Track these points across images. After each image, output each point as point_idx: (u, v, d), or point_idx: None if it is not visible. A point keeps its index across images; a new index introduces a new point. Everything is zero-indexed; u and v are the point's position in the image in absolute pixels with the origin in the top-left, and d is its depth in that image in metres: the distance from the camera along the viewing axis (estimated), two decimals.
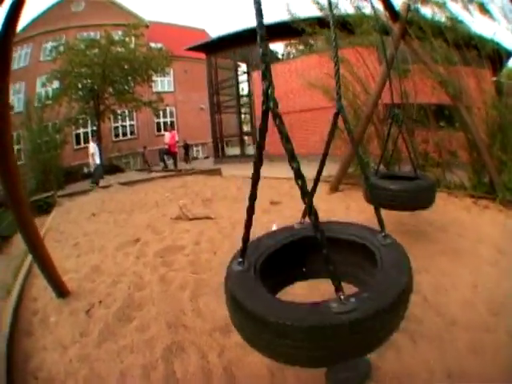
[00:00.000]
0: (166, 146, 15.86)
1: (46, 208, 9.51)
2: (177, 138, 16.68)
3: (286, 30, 9.71)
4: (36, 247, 3.04)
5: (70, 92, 17.46)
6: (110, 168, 18.07)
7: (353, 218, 3.60)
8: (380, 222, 1.66)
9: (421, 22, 6.05)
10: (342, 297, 1.14)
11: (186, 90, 27.01)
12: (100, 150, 13.56)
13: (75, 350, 2.43)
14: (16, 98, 19.01)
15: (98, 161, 13.07)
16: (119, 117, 22.12)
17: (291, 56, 18.17)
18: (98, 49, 17.45)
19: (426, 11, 6.23)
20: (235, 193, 7.54)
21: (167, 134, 16.20)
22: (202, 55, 18.94)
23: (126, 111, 22.18)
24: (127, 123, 25.15)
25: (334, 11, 7.29)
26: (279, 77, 14.27)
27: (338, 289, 1.15)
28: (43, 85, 18.56)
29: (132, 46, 18.50)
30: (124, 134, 25.16)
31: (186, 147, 22.99)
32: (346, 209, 5.35)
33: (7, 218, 6.14)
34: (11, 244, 6.27)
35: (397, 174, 4.12)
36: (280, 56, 18.83)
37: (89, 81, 17.90)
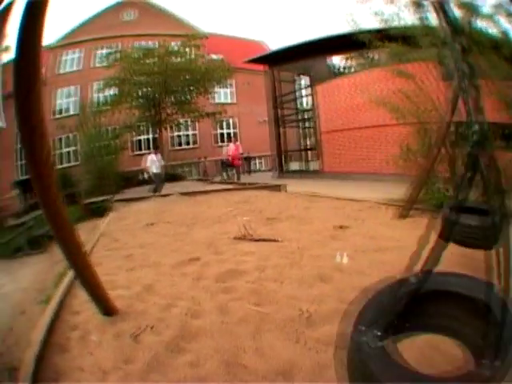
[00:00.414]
0: (229, 158, 15.94)
1: (101, 211, 9.75)
2: (241, 150, 16.80)
3: (346, 42, 10.27)
4: (74, 257, 2.80)
5: (129, 99, 18.33)
6: (169, 176, 18.35)
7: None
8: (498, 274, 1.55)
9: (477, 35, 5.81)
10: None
11: (247, 102, 27.26)
12: (160, 160, 14.13)
13: (116, 377, 2.23)
14: (66, 102, 20.19)
15: (155, 170, 13.65)
16: (181, 126, 22.74)
17: (352, 70, 17.56)
18: (156, 58, 18.27)
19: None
20: (302, 212, 7.20)
21: (231, 146, 16.41)
22: (264, 67, 19.07)
23: (188, 121, 22.80)
24: (189, 132, 25.90)
25: (395, 23, 7.35)
26: (341, 91, 14.29)
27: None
28: (99, 90, 19.55)
29: (192, 56, 19.28)
30: (185, 143, 25.91)
31: (248, 159, 23.17)
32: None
33: None
34: None
35: (470, 205, 3.57)
36: (341, 69, 18.29)
37: (149, 89, 18.76)
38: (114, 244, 5.69)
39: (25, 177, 22.82)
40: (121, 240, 5.94)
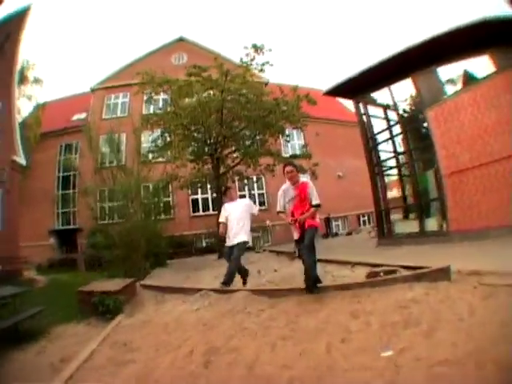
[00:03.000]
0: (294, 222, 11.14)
1: (111, 308, 5.86)
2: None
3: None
4: None
5: (180, 147, 14.38)
6: None
7: None
8: None
9: None
10: None
11: (319, 155, 23.25)
12: (246, 216, 6.84)
13: None
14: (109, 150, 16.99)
15: (234, 239, 6.63)
16: (245, 181, 18.44)
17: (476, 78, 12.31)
18: (210, 85, 14.18)
19: None
20: None
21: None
22: (335, 114, 14.57)
23: (254, 177, 18.72)
24: (255, 191, 21.84)
25: None
26: (464, 112, 10.28)
27: None
28: (153, 140, 15.74)
29: (255, 82, 15.13)
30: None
31: (328, 221, 20.52)
32: None
33: None
34: None
35: None
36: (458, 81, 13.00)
37: (202, 128, 14.54)
38: None
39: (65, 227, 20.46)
40: None
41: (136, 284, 7.44)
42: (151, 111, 16.67)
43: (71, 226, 20.05)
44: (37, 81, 20.35)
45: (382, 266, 6.91)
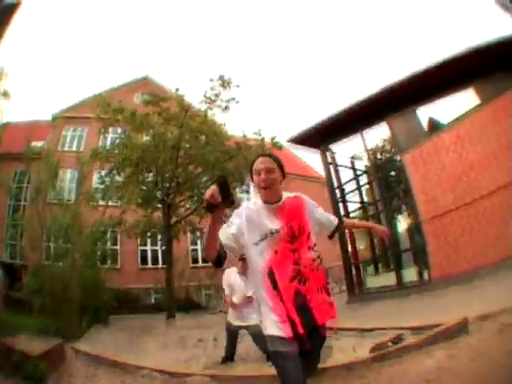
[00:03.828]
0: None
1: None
2: None
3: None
4: None
5: (128, 188, 12.65)
6: (184, 303, 13.67)
7: None
8: None
9: None
10: None
11: None
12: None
13: None
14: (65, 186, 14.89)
15: (236, 321, 5.20)
16: (198, 234, 16.51)
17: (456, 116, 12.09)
18: (169, 121, 12.85)
19: None
20: None
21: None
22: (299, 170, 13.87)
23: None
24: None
25: None
26: (447, 151, 9.94)
27: None
28: (101, 180, 13.89)
29: (220, 124, 13.75)
30: (205, 260, 19.75)
31: None
32: None
33: None
34: None
35: None
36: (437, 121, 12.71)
37: (153, 168, 12.93)
38: None
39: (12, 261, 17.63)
40: None
41: (66, 347, 5.55)
42: (104, 145, 14.94)
43: (17, 261, 17.25)
44: (5, 94, 17.91)
45: (373, 330, 5.76)
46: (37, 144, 18.30)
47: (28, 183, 18.72)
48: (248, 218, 2.03)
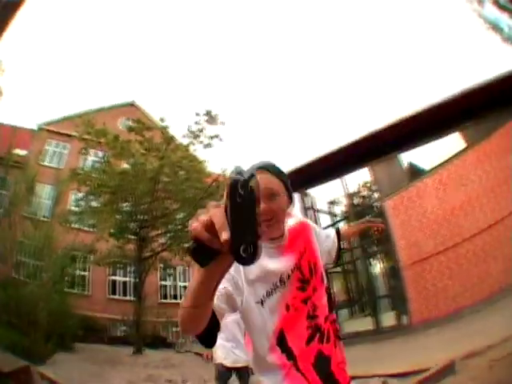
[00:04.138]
0: None
1: None
2: None
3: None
4: None
5: (103, 215, 12.29)
6: (151, 339, 13.06)
7: None
8: None
9: None
10: None
11: None
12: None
13: None
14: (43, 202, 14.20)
15: (226, 360, 3.93)
16: (168, 271, 16.54)
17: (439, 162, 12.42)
18: (150, 151, 12.72)
19: None
20: None
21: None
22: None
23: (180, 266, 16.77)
24: (178, 283, 19.43)
25: None
26: (431, 197, 10.12)
27: None
28: (76, 202, 13.46)
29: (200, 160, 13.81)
30: (174, 297, 19.19)
31: None
32: None
33: None
34: None
35: None
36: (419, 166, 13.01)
37: (130, 198, 12.70)
38: None
39: None
40: None
41: (32, 369, 5.10)
42: (84, 167, 14.60)
43: None
44: None
45: (354, 378, 5.53)
46: (19, 152, 17.71)
47: (6, 191, 18.07)
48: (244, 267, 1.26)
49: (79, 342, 9.80)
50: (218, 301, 1.08)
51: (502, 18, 7.21)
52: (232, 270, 1.01)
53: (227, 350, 3.91)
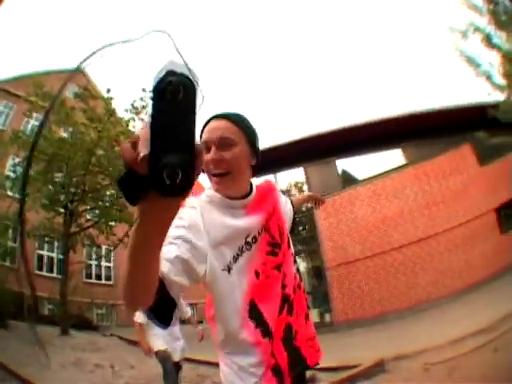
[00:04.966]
0: None
1: None
2: None
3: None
4: None
5: (37, 186, 11.61)
6: (77, 320, 12.52)
7: None
8: None
9: None
10: None
11: None
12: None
13: None
14: None
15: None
16: (93, 250, 16.21)
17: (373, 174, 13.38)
18: (92, 120, 12.21)
19: None
20: None
21: None
22: None
23: (106, 246, 16.31)
24: (103, 263, 18.84)
25: None
26: (363, 204, 10.84)
27: None
28: (13, 168, 12.70)
29: None
30: (98, 277, 18.55)
31: None
32: None
33: None
34: None
35: None
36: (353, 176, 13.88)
37: (64, 168, 12.10)
38: None
39: None
40: None
41: None
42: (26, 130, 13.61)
43: None
44: None
45: None
46: None
47: None
48: (207, 226, 1.10)
49: (12, 319, 9.44)
50: (170, 274, 0.93)
51: (486, 54, 7.69)
52: (190, 232, 1.03)
53: (169, 342, 3.73)
